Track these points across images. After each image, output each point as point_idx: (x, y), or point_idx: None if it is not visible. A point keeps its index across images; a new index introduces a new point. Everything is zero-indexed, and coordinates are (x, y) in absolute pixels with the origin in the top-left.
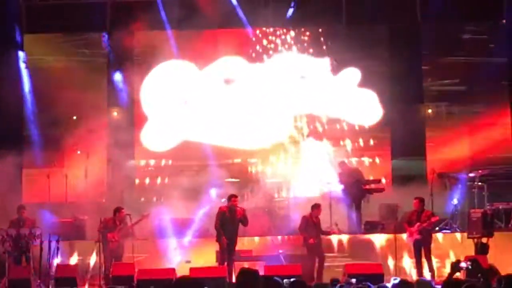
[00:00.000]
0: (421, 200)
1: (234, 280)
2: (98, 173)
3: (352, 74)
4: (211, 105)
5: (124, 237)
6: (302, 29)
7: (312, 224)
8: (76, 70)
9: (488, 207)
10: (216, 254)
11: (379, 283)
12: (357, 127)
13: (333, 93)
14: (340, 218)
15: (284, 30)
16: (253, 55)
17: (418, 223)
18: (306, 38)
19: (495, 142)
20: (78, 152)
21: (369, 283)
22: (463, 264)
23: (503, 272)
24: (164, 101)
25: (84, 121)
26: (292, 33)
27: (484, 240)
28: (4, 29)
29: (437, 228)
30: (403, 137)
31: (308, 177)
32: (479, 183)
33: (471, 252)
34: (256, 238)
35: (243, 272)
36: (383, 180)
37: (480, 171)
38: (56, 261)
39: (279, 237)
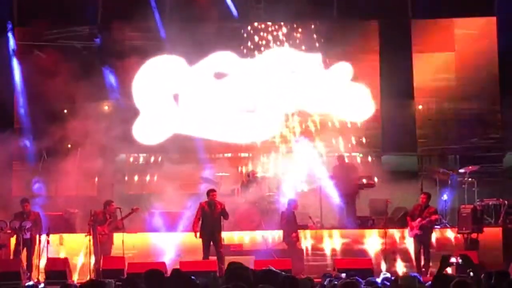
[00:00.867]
0: (429, 196)
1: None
2: (89, 166)
3: (344, 68)
4: (202, 99)
5: (114, 231)
6: (294, 25)
7: (292, 219)
8: (67, 64)
9: (478, 203)
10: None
11: (369, 278)
12: (349, 124)
13: (324, 88)
14: (330, 213)
15: (276, 27)
16: (244, 51)
17: (419, 219)
18: (298, 34)
19: (486, 138)
20: (69, 145)
21: (357, 278)
22: (453, 259)
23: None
24: (155, 95)
25: (75, 114)
26: (284, 29)
27: (474, 236)
28: None
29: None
30: (394, 133)
31: (298, 172)
32: (469, 179)
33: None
34: (246, 233)
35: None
36: (375, 179)
37: (470, 167)
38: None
39: (269, 232)
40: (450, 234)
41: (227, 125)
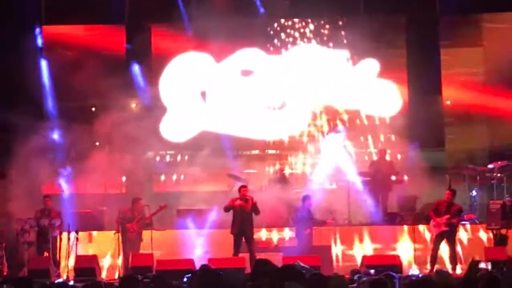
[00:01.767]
0: (454, 193)
1: None
2: (117, 164)
3: (371, 65)
4: (229, 96)
5: (143, 228)
6: (322, 22)
7: (305, 216)
8: (95, 62)
9: (507, 198)
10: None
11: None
12: (377, 121)
13: (352, 85)
14: (357, 208)
15: (303, 23)
16: (271, 48)
17: (447, 215)
18: (325, 31)
19: None
20: (97, 143)
21: (391, 272)
22: (482, 265)
23: None
24: (182, 92)
25: (103, 112)
26: (311, 26)
27: (503, 231)
28: (23, 19)
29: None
30: (422, 129)
31: (326, 169)
32: (498, 175)
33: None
34: (274, 230)
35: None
36: (405, 177)
37: (499, 163)
38: (75, 251)
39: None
40: (479, 231)
41: (254, 122)
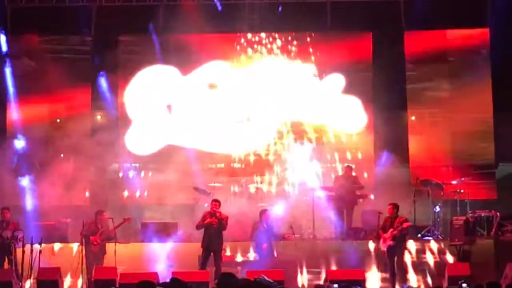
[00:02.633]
0: (395, 206)
1: None
2: (80, 176)
3: (337, 80)
4: (195, 109)
5: (106, 240)
6: (289, 38)
7: (263, 230)
8: (60, 73)
9: (470, 214)
10: (198, 258)
11: None
12: (343, 136)
13: (318, 99)
14: (322, 223)
15: (271, 39)
16: (238, 61)
17: (391, 229)
18: (293, 47)
19: (478, 148)
20: (62, 155)
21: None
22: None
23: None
24: (148, 105)
25: (68, 124)
26: (279, 42)
27: (466, 247)
28: None
29: (419, 235)
30: (386, 144)
31: (291, 182)
32: (462, 191)
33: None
34: (239, 244)
35: (223, 276)
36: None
37: (463, 179)
38: (38, 264)
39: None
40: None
41: (221, 136)
